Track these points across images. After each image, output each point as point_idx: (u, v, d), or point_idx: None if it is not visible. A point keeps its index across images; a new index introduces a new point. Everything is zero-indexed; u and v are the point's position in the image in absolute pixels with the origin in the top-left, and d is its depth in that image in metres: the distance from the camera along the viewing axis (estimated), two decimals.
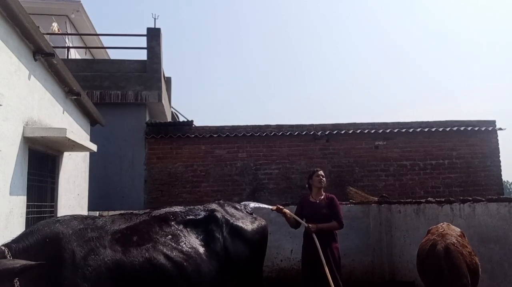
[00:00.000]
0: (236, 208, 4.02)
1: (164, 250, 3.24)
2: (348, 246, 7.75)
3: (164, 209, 3.70)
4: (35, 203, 5.60)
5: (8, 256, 2.70)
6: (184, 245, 3.36)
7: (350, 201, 8.77)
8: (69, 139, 5.50)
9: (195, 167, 10.06)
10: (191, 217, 3.63)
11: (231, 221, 3.75)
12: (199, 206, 3.90)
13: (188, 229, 3.52)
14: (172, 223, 3.50)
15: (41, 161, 5.84)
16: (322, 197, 5.24)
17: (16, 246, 2.81)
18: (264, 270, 4.34)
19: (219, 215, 3.73)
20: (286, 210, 5.04)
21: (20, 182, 4.93)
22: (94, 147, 6.90)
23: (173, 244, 3.32)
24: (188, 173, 10.02)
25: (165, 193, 9.87)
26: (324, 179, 5.30)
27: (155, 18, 11.33)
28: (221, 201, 4.07)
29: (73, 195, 7.15)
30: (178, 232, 3.44)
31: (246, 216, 3.95)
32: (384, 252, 7.76)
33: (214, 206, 3.89)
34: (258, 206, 4.69)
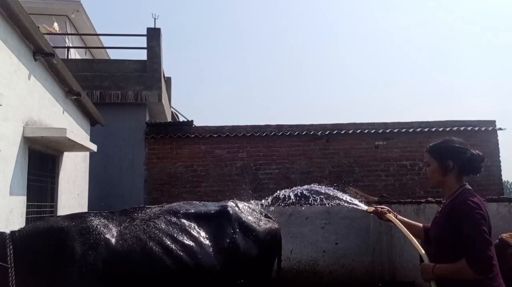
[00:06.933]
0: (250, 208, 3.98)
1: (166, 243, 3.26)
2: (348, 246, 7.76)
3: (176, 203, 3.74)
4: (35, 203, 5.61)
5: (8, 241, 2.94)
6: (187, 238, 3.36)
7: None
8: (69, 139, 5.51)
9: (195, 167, 10.06)
10: (202, 210, 3.65)
11: (244, 218, 3.72)
12: (213, 202, 3.92)
13: (197, 223, 3.52)
14: (181, 216, 3.53)
15: (41, 161, 5.84)
16: (448, 200, 2.54)
17: (19, 234, 3.05)
18: None
19: (231, 210, 3.71)
20: (391, 217, 2.84)
21: (20, 182, 4.93)
22: (94, 147, 6.90)
23: (176, 237, 3.33)
24: (188, 173, 10.02)
25: (165, 193, 9.87)
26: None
27: (155, 18, 11.35)
28: (235, 200, 4.05)
29: (73, 195, 7.16)
30: (185, 225, 3.45)
31: (259, 217, 3.92)
32: (384, 252, 7.76)
33: (227, 202, 3.88)
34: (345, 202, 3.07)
